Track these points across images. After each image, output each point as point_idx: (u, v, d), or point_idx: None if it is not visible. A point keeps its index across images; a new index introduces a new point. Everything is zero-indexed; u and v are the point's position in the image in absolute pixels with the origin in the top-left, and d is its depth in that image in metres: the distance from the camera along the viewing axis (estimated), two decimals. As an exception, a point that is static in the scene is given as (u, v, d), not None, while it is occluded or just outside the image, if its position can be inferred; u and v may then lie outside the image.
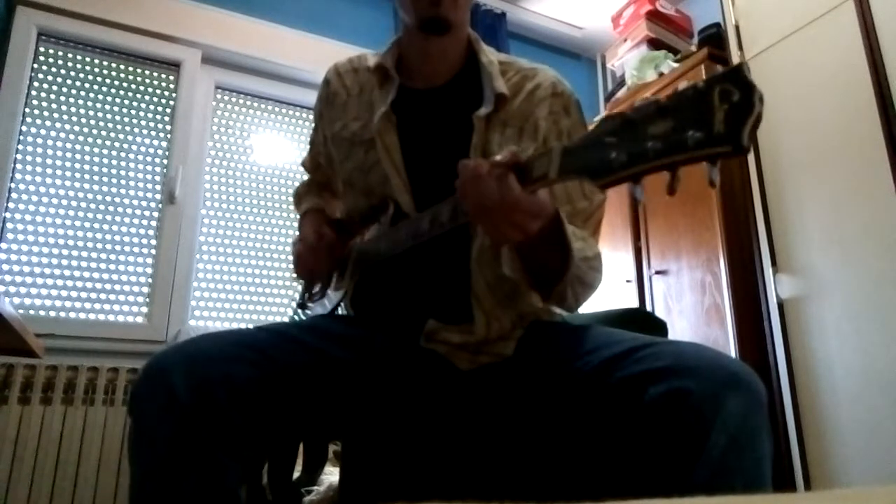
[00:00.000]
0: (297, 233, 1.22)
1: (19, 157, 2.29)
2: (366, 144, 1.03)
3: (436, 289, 0.98)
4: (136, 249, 2.40)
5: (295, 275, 1.16)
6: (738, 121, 0.51)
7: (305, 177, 1.34)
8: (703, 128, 0.53)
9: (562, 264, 0.82)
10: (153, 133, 2.54)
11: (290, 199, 1.39)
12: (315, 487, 1.29)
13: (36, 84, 2.38)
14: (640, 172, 0.58)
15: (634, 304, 2.64)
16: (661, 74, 2.79)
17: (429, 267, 0.98)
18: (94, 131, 2.45)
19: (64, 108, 2.42)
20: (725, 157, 0.52)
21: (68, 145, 2.39)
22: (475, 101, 1.00)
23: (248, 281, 2.59)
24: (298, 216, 1.26)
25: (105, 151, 2.45)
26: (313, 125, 1.24)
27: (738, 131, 0.51)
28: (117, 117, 2.50)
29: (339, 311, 1.10)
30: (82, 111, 2.44)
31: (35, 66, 2.38)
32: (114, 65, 2.54)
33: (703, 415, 0.66)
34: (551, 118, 1.00)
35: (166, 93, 2.61)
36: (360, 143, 1.04)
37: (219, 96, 2.75)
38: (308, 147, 1.28)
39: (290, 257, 1.14)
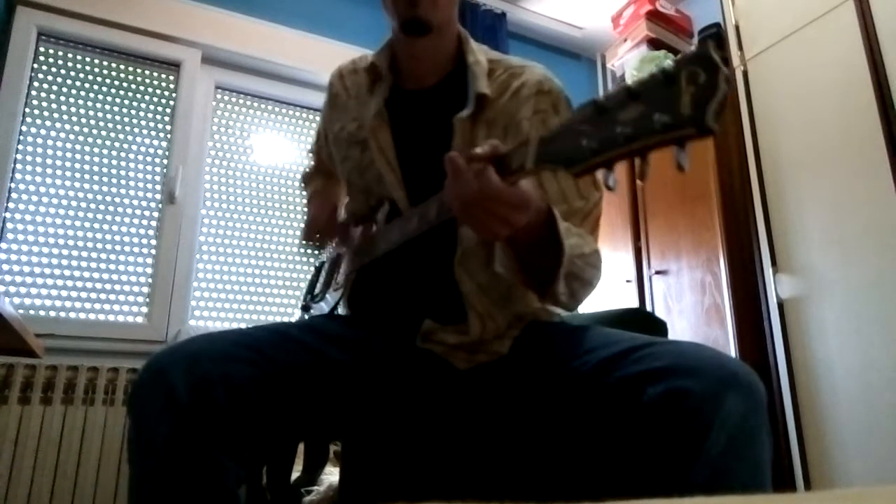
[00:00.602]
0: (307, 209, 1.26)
1: (19, 157, 2.29)
2: (361, 144, 1.04)
3: (429, 290, 0.98)
4: (136, 249, 2.40)
5: (302, 237, 1.18)
6: (704, 102, 0.50)
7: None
8: (669, 111, 0.52)
9: (555, 261, 0.80)
10: (153, 133, 2.54)
11: (290, 199, 1.41)
12: (315, 487, 1.29)
13: (36, 84, 2.38)
14: (611, 159, 0.57)
15: (634, 304, 2.64)
16: (661, 74, 2.79)
17: (420, 268, 0.98)
18: (94, 131, 2.45)
19: (64, 108, 2.42)
20: (692, 138, 0.52)
21: (68, 145, 2.39)
22: (462, 102, 0.99)
23: (248, 281, 2.59)
24: (306, 196, 1.30)
25: (105, 151, 2.44)
26: (320, 124, 1.26)
27: (702, 113, 0.50)
28: (117, 117, 2.49)
29: (338, 312, 1.11)
30: (82, 111, 2.44)
31: (35, 66, 2.38)
32: (114, 65, 2.54)
33: (703, 414, 0.66)
34: (537, 117, 0.98)
35: (166, 93, 2.61)
36: (356, 144, 1.05)
37: (219, 96, 2.75)
38: (315, 139, 1.31)
39: (298, 239, 1.17)
